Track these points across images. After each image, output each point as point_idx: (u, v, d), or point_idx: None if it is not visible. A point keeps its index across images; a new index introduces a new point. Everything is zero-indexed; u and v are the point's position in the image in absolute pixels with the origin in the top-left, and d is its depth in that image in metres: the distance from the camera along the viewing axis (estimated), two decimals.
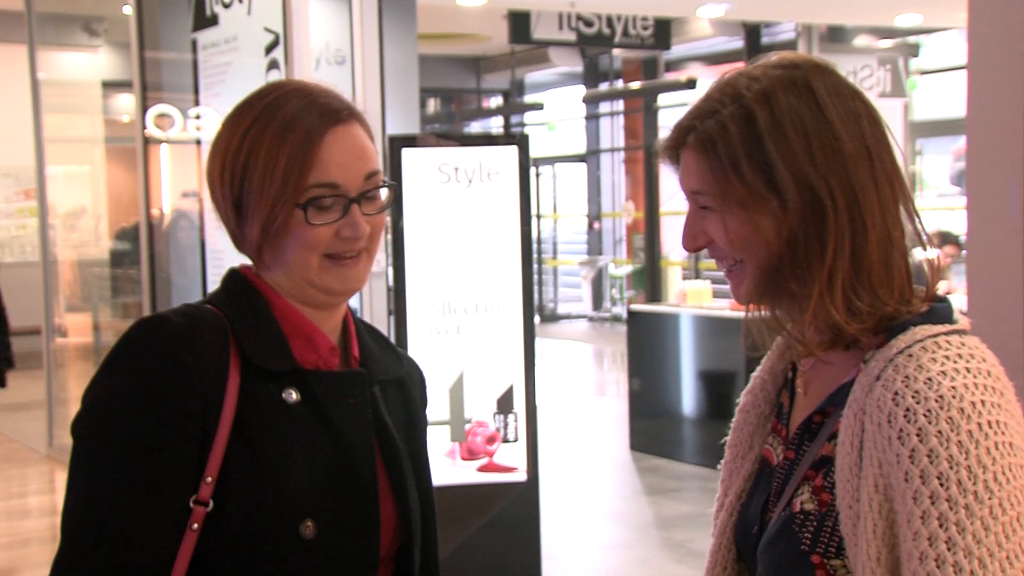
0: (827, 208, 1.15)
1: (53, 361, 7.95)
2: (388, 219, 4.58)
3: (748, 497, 1.33)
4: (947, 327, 1.16)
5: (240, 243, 1.41)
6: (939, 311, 1.19)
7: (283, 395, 1.35)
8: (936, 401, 1.08)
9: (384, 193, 1.41)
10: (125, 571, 1.24)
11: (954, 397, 1.08)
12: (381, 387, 1.47)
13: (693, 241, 1.26)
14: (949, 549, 1.05)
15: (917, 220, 1.22)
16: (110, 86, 12.18)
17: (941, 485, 1.06)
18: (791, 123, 1.16)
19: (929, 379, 1.09)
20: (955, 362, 1.11)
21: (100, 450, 1.28)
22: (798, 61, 1.21)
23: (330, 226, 1.35)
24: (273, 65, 4.22)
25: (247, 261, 1.45)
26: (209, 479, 1.28)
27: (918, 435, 1.07)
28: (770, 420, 1.36)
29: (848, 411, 1.15)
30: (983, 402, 1.08)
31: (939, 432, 1.07)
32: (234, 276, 1.42)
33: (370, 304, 4.87)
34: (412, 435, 1.52)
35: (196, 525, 1.28)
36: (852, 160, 1.16)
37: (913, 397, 1.09)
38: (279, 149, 1.33)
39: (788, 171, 1.15)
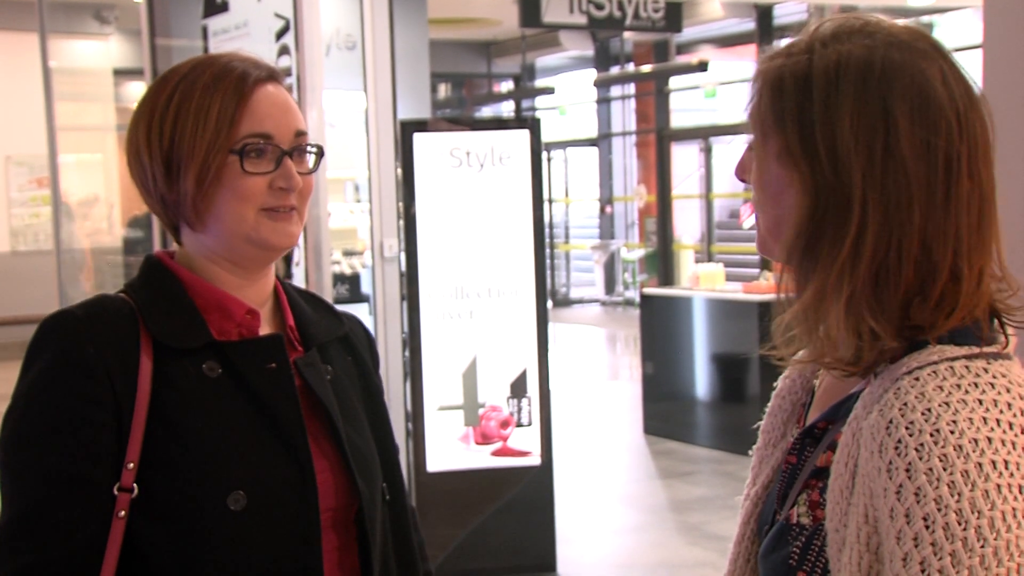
0: (854, 199, 1.05)
1: None
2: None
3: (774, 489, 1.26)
4: (972, 349, 1.05)
5: (168, 209, 1.39)
6: (968, 330, 1.07)
7: (203, 369, 1.35)
8: (931, 435, 0.97)
9: (311, 159, 1.43)
10: (51, 563, 1.26)
11: (952, 432, 0.97)
12: (321, 349, 1.48)
13: (740, 170, 1.18)
14: None
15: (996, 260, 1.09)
16: (121, 74, 12.21)
17: (927, 527, 0.95)
18: (848, 102, 1.06)
19: (928, 410, 0.99)
20: (966, 392, 1.00)
21: (16, 450, 1.30)
22: (904, 40, 1.09)
23: (264, 176, 1.36)
24: (284, 51, 4.21)
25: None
26: (131, 465, 1.29)
27: (907, 471, 0.97)
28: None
29: (847, 429, 1.06)
30: (989, 439, 0.97)
31: (929, 470, 0.96)
32: (148, 262, 1.44)
33: (383, 290, 4.87)
34: (366, 391, 1.53)
35: (123, 512, 1.29)
36: (902, 165, 1.05)
37: (907, 428, 0.99)
38: (211, 97, 1.35)
39: (824, 145, 1.06)
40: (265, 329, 1.44)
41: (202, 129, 1.34)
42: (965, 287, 1.07)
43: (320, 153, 1.44)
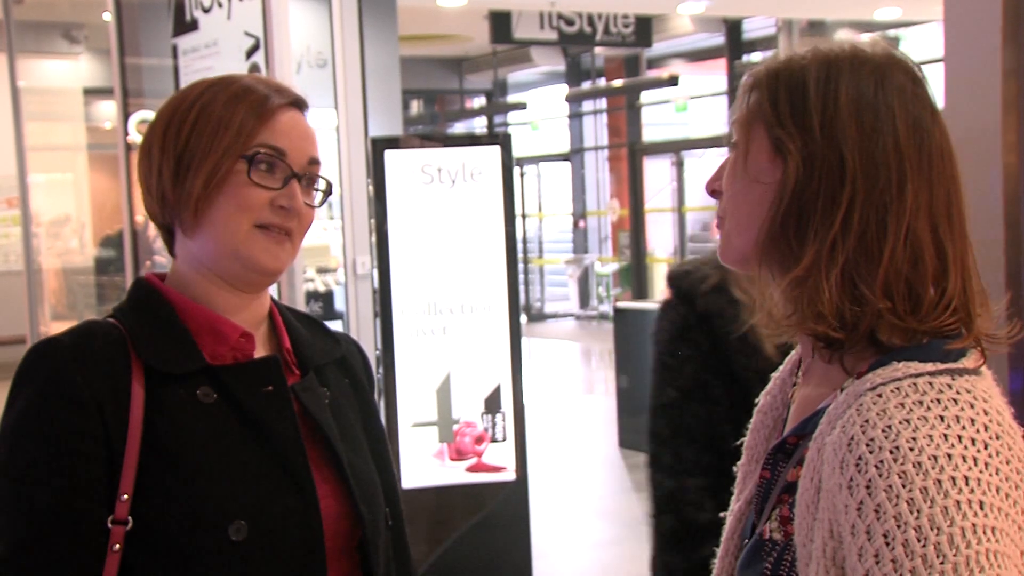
0: (847, 171, 1.08)
1: None
2: (374, 227, 4.53)
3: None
4: (937, 366, 1.05)
5: (167, 209, 1.37)
6: (934, 346, 1.08)
7: (198, 395, 1.31)
8: (891, 452, 0.98)
9: (319, 195, 1.41)
10: None
11: (911, 449, 0.98)
12: (318, 371, 1.45)
13: (711, 181, 1.22)
14: None
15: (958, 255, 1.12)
16: (91, 93, 12.15)
17: (887, 544, 0.96)
18: (844, 92, 1.10)
19: (888, 427, 0.99)
20: (927, 409, 1.01)
21: (5, 485, 1.26)
22: (878, 57, 1.15)
23: (268, 192, 1.34)
24: (254, 69, 4.21)
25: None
26: (124, 496, 1.25)
27: (867, 488, 0.98)
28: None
29: (813, 444, 1.07)
30: (949, 455, 0.97)
31: (889, 487, 0.97)
32: (137, 284, 1.40)
33: (356, 306, 4.87)
34: (364, 414, 1.50)
35: (117, 546, 1.24)
36: (890, 152, 1.09)
37: (867, 445, 0.99)
38: (236, 106, 1.35)
39: (821, 123, 1.10)
40: (260, 352, 1.40)
41: (223, 132, 1.34)
42: (952, 274, 1.10)
43: (328, 191, 1.43)
